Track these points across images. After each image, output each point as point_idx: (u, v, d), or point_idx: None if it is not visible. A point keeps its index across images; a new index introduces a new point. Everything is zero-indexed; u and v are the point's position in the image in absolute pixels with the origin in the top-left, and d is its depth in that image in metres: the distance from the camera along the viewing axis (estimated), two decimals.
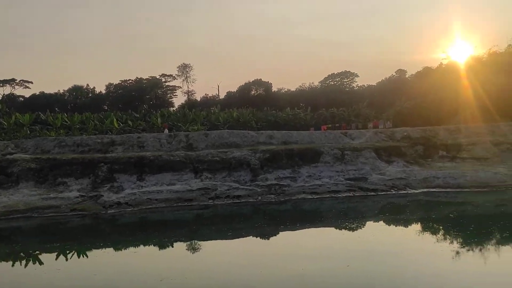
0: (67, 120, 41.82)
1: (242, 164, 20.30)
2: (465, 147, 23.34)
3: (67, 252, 11.85)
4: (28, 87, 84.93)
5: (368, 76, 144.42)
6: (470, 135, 24.88)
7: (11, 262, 11.33)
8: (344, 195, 18.38)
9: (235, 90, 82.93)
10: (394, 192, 18.75)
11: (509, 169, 20.72)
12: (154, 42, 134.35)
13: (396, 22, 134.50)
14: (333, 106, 57.42)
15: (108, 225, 15.60)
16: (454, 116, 32.32)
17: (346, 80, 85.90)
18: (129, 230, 14.81)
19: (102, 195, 17.64)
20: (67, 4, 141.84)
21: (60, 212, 16.33)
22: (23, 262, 11.37)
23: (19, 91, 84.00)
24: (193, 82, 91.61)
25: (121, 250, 12.34)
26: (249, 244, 12.61)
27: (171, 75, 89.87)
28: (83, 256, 11.59)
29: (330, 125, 44.76)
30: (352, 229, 13.77)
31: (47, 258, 11.55)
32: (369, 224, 14.54)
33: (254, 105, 63.22)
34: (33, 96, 79.04)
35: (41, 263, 11.06)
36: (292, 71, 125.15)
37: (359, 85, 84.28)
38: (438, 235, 12.92)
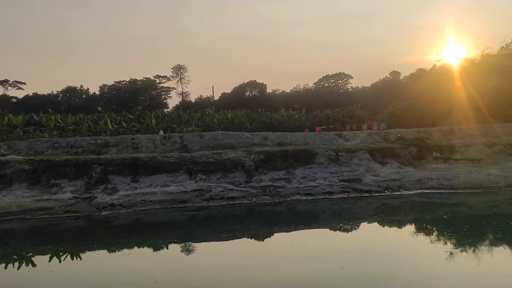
0: (60, 121, 41.58)
1: (236, 166, 20.28)
2: (458, 149, 23.47)
3: (61, 254, 11.79)
4: (21, 88, 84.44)
5: (362, 78, 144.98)
6: (464, 137, 25.04)
7: (4, 264, 11.23)
8: (338, 196, 18.41)
9: (230, 92, 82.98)
10: (388, 193, 18.81)
11: (502, 170, 20.87)
12: (149, 43, 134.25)
13: (390, 24, 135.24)
14: (328, 108, 57.56)
15: (102, 227, 15.52)
16: (448, 117, 32.52)
17: (340, 81, 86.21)
18: (123, 232, 14.74)
19: (96, 197, 17.55)
20: (61, 5, 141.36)
21: (53, 214, 16.23)
22: (16, 264, 11.29)
23: (12, 92, 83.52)
24: (187, 83, 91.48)
25: (115, 252, 12.28)
26: (244, 246, 12.60)
27: (165, 76, 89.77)
28: (76, 258, 11.53)
29: (324, 127, 44.88)
30: (347, 230, 13.79)
31: (41, 260, 11.47)
32: (364, 225, 14.57)
33: (249, 107, 63.25)
34: (26, 97, 78.48)
35: (34, 265, 10.98)
36: (286, 73, 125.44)
37: (353, 86, 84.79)
38: (432, 236, 12.97)
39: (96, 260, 11.40)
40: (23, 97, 79.01)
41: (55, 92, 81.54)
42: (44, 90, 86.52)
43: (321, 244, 12.25)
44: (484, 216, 14.98)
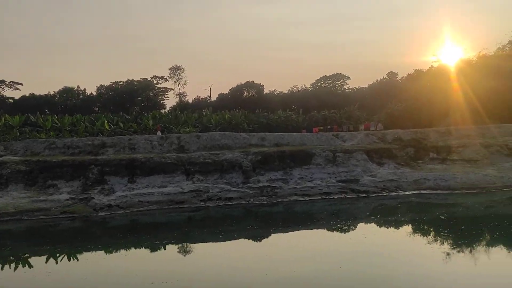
0: (57, 122, 41.44)
1: (234, 166, 20.28)
2: (455, 149, 23.53)
3: (57, 255, 11.75)
4: (18, 89, 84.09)
5: (359, 79, 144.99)
6: (460, 137, 25.11)
7: (0, 266, 11.19)
8: (335, 197, 18.43)
9: (227, 92, 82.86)
10: (385, 194, 18.85)
11: (499, 171, 20.94)
12: (146, 44, 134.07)
13: (387, 25, 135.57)
14: (325, 108, 57.54)
15: (99, 228, 15.49)
16: (445, 118, 32.62)
17: (337, 82, 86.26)
18: (120, 233, 14.72)
19: (93, 198, 17.51)
20: (58, 5, 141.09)
21: (50, 215, 16.19)
22: (13, 265, 11.25)
23: (8, 92, 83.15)
24: (185, 84, 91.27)
25: (111, 253, 12.26)
26: (241, 246, 12.60)
27: (162, 77, 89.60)
28: (73, 259, 11.50)
29: (321, 127, 44.86)
30: (344, 231, 13.80)
31: (37, 261, 11.44)
32: (361, 225, 14.60)
33: (246, 107, 63.20)
34: (23, 97, 78.14)
35: (30, 266, 10.95)
36: (284, 73, 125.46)
37: (350, 87, 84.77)
38: (429, 237, 13.01)
39: (93, 261, 11.37)
40: (19, 98, 78.70)
41: (52, 93, 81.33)
42: (40, 91, 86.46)
43: (318, 244, 12.26)
44: (480, 217, 15.03)
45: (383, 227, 14.55)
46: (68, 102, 79.89)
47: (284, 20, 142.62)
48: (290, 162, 21.06)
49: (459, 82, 34.43)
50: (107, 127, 41.08)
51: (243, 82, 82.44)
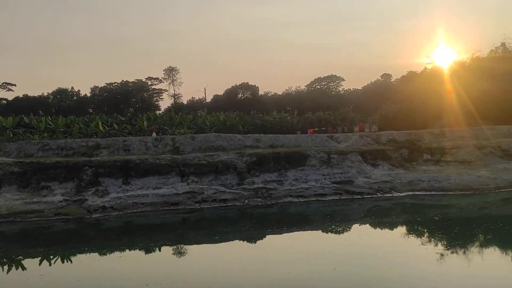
0: (51, 123, 41.25)
1: (228, 168, 20.26)
2: (449, 151, 23.67)
3: (51, 257, 11.68)
4: (11, 90, 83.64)
5: (354, 80, 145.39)
6: (454, 139, 25.25)
7: None
8: (330, 198, 18.46)
9: (222, 94, 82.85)
10: (379, 195, 18.90)
11: (492, 172, 21.08)
12: (141, 45, 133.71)
13: (381, 27, 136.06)
14: (320, 110, 57.67)
15: (93, 230, 15.41)
16: (439, 119, 32.81)
17: (332, 84, 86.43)
18: (114, 235, 14.64)
19: (87, 199, 17.42)
20: (52, 5, 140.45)
21: (43, 217, 16.08)
22: (6, 267, 11.15)
23: (2, 93, 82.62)
24: (179, 85, 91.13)
25: (106, 255, 12.20)
26: (236, 248, 12.58)
27: (157, 78, 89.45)
28: (67, 261, 11.43)
29: (316, 129, 44.95)
30: (339, 232, 13.83)
31: (30, 263, 11.36)
32: (355, 227, 14.63)
33: (241, 109, 63.22)
34: (16, 99, 77.72)
35: (24, 268, 10.87)
36: (278, 75, 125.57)
37: (345, 89, 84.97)
38: (423, 238, 13.07)
39: (87, 263, 11.31)
40: (13, 99, 78.27)
41: (45, 94, 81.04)
42: (34, 92, 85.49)
43: (313, 246, 12.27)
44: (474, 218, 15.10)
45: (377, 228, 14.59)
46: (62, 103, 79.56)
47: (279, 22, 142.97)
48: (285, 164, 21.08)
49: (452, 84, 34.69)
50: (101, 128, 40.92)
51: (238, 84, 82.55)
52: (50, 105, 78.98)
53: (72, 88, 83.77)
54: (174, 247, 12.88)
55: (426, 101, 35.47)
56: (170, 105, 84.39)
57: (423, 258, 10.26)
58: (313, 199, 18.38)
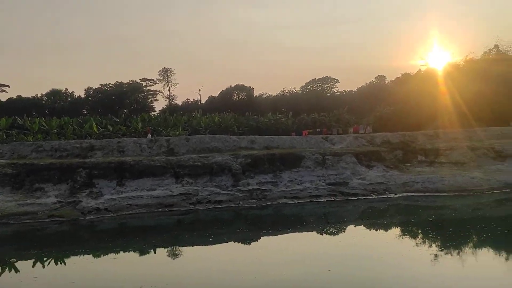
0: (45, 124, 41.02)
1: (223, 169, 20.24)
2: (443, 152, 23.79)
3: (44, 259, 11.61)
4: (4, 91, 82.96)
5: (348, 82, 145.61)
6: (448, 140, 25.39)
7: None
8: (325, 200, 18.49)
9: (217, 95, 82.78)
10: (374, 197, 18.95)
11: (485, 174, 21.21)
12: (135, 46, 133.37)
13: (375, 29, 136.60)
14: (314, 111, 57.78)
15: (87, 232, 15.33)
16: (433, 121, 32.96)
17: (327, 85, 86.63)
18: (108, 237, 14.58)
19: (81, 201, 17.33)
20: (45, 6, 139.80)
21: (37, 219, 15.98)
22: None
23: None
24: (174, 86, 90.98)
25: (100, 257, 12.15)
26: (231, 250, 12.56)
27: (152, 79, 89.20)
28: (60, 263, 11.37)
29: (311, 130, 45.00)
30: (333, 234, 13.85)
31: (24, 265, 11.28)
32: (350, 228, 14.66)
33: (236, 110, 63.20)
34: (10, 100, 77.24)
35: (17, 270, 10.80)
36: (273, 77, 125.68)
37: (339, 90, 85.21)
38: (417, 239, 13.13)
39: (80, 265, 11.25)
40: (6, 100, 77.76)
41: (39, 95, 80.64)
42: (28, 93, 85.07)
43: (308, 247, 12.28)
44: (468, 219, 15.18)
45: (372, 229, 14.63)
46: (56, 104, 79.18)
47: (274, 23, 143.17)
48: (280, 165, 21.09)
49: (446, 85, 34.89)
50: (95, 129, 40.76)
51: (233, 85, 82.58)
52: (44, 106, 78.57)
53: (66, 89, 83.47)
54: (169, 248, 12.83)
55: (420, 102, 35.63)
56: (164, 106, 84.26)
57: (418, 259, 10.30)
58: (308, 200, 18.40)
